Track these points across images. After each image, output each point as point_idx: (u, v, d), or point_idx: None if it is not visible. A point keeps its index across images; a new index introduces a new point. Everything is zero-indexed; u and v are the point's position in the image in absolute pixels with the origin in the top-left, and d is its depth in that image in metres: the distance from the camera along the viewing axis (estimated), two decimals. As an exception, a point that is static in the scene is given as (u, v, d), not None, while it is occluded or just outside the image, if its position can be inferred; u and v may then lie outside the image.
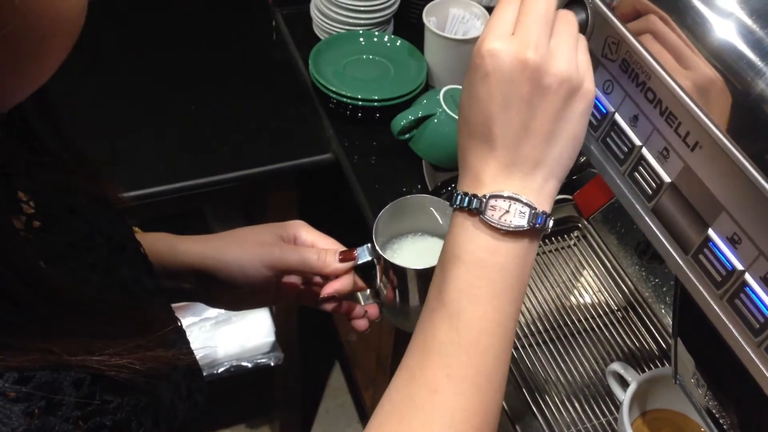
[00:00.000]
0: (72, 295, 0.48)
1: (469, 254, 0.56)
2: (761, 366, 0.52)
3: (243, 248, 0.78)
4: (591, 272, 0.97)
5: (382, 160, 1.29)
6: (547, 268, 0.97)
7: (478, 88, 0.54)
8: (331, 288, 0.78)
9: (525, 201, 0.55)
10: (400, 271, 0.77)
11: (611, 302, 0.94)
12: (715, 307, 0.55)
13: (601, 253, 0.98)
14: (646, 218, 0.60)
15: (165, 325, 0.58)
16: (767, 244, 0.51)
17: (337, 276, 0.78)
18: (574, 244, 1.00)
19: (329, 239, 0.81)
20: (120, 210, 0.68)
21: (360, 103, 1.31)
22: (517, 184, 0.55)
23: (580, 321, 0.92)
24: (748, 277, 0.52)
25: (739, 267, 0.53)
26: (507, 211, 0.55)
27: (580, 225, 1.01)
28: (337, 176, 1.30)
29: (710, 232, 0.55)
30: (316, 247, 0.80)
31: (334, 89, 1.30)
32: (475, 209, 0.55)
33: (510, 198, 0.55)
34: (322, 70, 1.35)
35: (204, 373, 1.52)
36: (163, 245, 0.79)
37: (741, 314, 0.53)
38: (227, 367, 1.54)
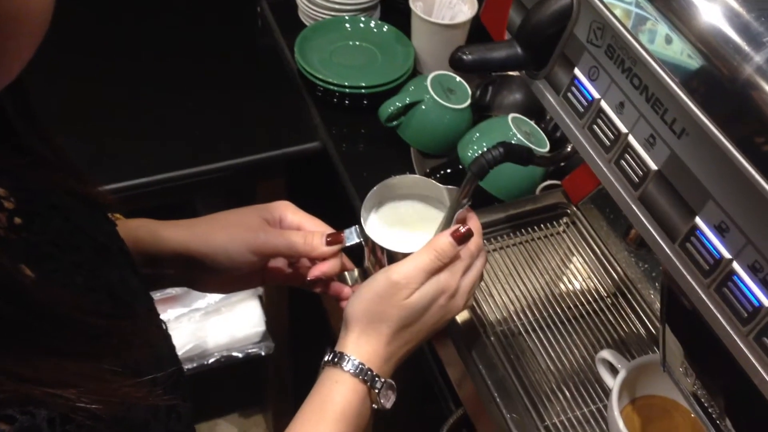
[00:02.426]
0: (53, 306, 0.47)
1: None
2: (749, 355, 0.52)
3: (227, 233, 0.77)
4: (580, 259, 0.96)
5: (370, 147, 1.28)
6: (536, 255, 0.97)
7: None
8: (318, 270, 0.78)
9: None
10: (388, 253, 0.76)
11: (600, 288, 0.94)
12: (703, 296, 0.54)
13: (590, 239, 0.98)
14: (633, 207, 0.60)
15: (148, 333, 0.57)
16: (755, 233, 0.50)
17: (324, 258, 0.78)
18: (563, 231, 0.99)
19: (316, 220, 0.80)
20: (102, 208, 0.67)
21: (347, 90, 1.29)
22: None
23: (569, 308, 0.92)
24: (735, 265, 0.52)
25: (727, 255, 0.52)
26: None
27: (568, 211, 1.01)
28: (325, 164, 1.29)
29: (697, 220, 0.54)
30: (303, 230, 0.79)
31: (320, 77, 1.29)
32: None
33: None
34: (309, 58, 1.34)
35: (194, 364, 1.53)
36: (145, 232, 0.78)
37: (729, 303, 0.52)
38: (217, 357, 1.54)
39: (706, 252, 0.53)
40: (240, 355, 1.55)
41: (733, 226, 0.51)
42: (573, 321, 0.91)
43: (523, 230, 0.99)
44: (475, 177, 0.73)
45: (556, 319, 0.91)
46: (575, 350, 0.88)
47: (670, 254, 0.57)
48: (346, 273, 0.81)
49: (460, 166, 1.13)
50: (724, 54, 0.52)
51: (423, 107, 1.19)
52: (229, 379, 1.78)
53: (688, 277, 0.55)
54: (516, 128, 1.10)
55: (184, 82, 1.37)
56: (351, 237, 0.78)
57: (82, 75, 1.34)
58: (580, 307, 0.92)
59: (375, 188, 0.80)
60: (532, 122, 1.16)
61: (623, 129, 0.59)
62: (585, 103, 0.63)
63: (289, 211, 0.80)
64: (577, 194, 1.00)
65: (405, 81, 1.30)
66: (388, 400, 0.73)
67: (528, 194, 1.08)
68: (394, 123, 1.22)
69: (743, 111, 0.51)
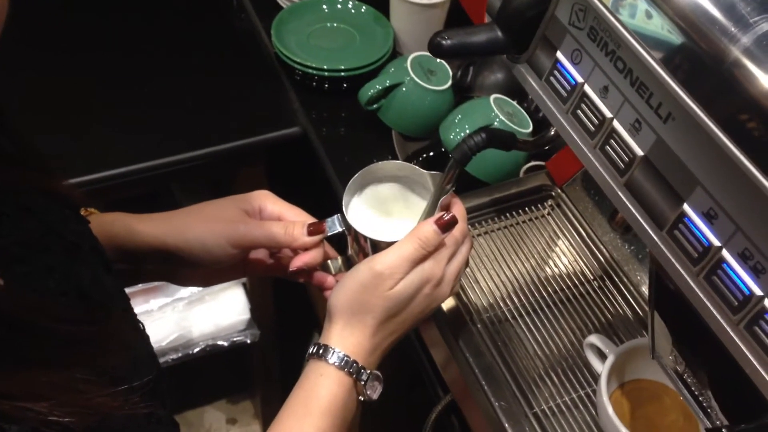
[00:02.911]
0: (23, 313, 0.45)
1: None
2: (740, 344, 0.51)
3: (206, 226, 0.75)
4: (566, 242, 0.95)
5: (351, 131, 1.26)
6: (522, 239, 0.96)
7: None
8: (300, 261, 0.76)
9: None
10: (372, 242, 0.75)
11: (587, 271, 0.93)
12: (692, 284, 0.53)
13: (575, 222, 0.96)
14: (619, 193, 0.58)
15: (124, 336, 0.56)
16: (744, 220, 0.49)
17: (306, 248, 0.76)
18: (548, 214, 0.98)
19: (296, 210, 0.79)
20: (73, 205, 0.65)
21: (326, 74, 1.27)
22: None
23: (556, 292, 0.91)
24: (725, 253, 0.50)
25: (716, 243, 0.51)
26: None
27: (553, 193, 0.99)
28: (306, 150, 1.27)
29: (685, 207, 0.53)
30: (283, 220, 0.78)
31: (298, 60, 1.26)
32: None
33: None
34: (286, 41, 1.31)
35: (178, 354, 1.51)
36: (120, 227, 0.76)
37: (719, 292, 0.51)
38: (203, 346, 1.52)
39: (695, 239, 0.52)
40: (225, 344, 1.54)
41: (722, 213, 0.50)
42: (560, 305, 0.90)
43: (507, 214, 0.98)
44: (458, 163, 0.71)
45: (542, 304, 0.90)
46: (563, 335, 0.87)
47: (658, 242, 0.55)
48: (329, 261, 0.80)
49: (443, 149, 1.11)
50: (710, 36, 0.50)
51: (403, 89, 1.17)
52: (215, 367, 1.77)
53: (677, 264, 0.54)
54: (498, 109, 1.09)
55: (157, 69, 1.34)
56: (333, 226, 0.76)
57: (49, 68, 1.30)
58: (566, 290, 0.91)
59: (357, 175, 0.78)
60: (515, 102, 1.14)
61: (608, 114, 0.58)
62: (568, 88, 0.61)
63: (268, 201, 0.78)
64: (562, 176, 0.98)
65: (385, 63, 1.28)
66: (374, 392, 0.72)
67: (512, 176, 1.06)
68: (375, 106, 1.20)
69: (731, 95, 0.49)
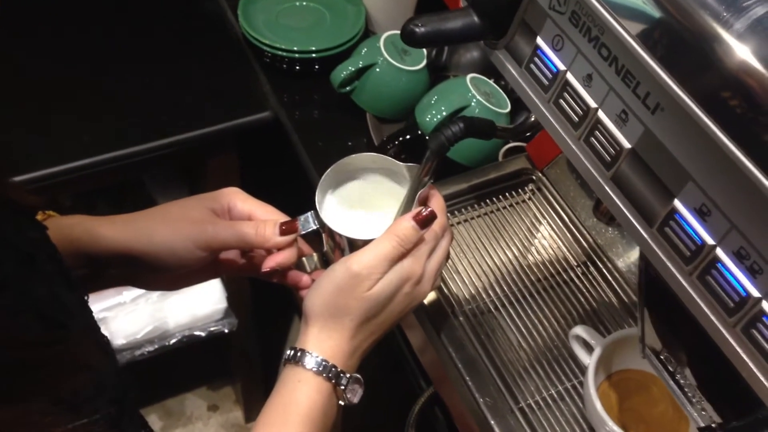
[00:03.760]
0: None
1: None
2: (737, 347, 0.48)
3: (172, 229, 0.71)
4: (548, 227, 0.92)
5: (324, 114, 1.22)
6: (503, 226, 0.93)
7: None
8: (272, 261, 0.72)
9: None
10: (348, 240, 0.72)
11: (570, 258, 0.90)
12: (685, 284, 0.51)
13: (557, 206, 0.94)
14: (606, 187, 0.55)
15: (86, 356, 0.52)
16: (739, 217, 0.46)
17: (279, 248, 0.72)
18: (529, 198, 0.95)
19: (268, 207, 0.75)
20: (27, 211, 0.61)
21: (296, 55, 1.23)
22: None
23: (539, 280, 0.88)
24: (719, 252, 0.48)
25: (710, 241, 0.48)
26: None
27: (534, 177, 0.96)
28: (278, 135, 1.23)
29: (676, 203, 0.50)
30: (254, 219, 0.74)
31: (267, 42, 1.22)
32: None
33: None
34: (253, 21, 1.26)
35: (155, 347, 1.47)
36: (81, 231, 0.72)
37: (713, 292, 0.49)
38: (179, 338, 1.49)
39: (687, 237, 0.50)
40: (203, 334, 1.50)
41: (716, 209, 0.47)
42: (543, 293, 0.88)
43: (487, 200, 0.95)
44: (435, 155, 0.68)
45: (525, 293, 0.87)
46: (547, 325, 0.84)
47: (648, 239, 0.53)
48: (304, 259, 0.76)
49: (419, 132, 1.08)
50: (700, 21, 0.47)
51: (377, 70, 1.14)
52: (194, 355, 1.74)
53: (668, 263, 0.52)
54: (475, 89, 1.05)
55: (118, 53, 1.28)
56: (306, 224, 0.73)
57: (3, 54, 1.25)
58: (549, 278, 0.88)
59: (329, 170, 0.74)
60: (492, 81, 1.11)
61: (592, 104, 0.55)
62: (549, 76, 0.58)
63: (238, 199, 0.74)
64: (542, 159, 0.95)
65: (357, 42, 1.24)
66: (355, 395, 0.69)
67: (491, 158, 1.03)
68: (348, 88, 1.16)
69: (723, 85, 0.46)
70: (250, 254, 0.77)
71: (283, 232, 0.71)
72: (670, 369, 0.60)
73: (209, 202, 0.73)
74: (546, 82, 0.58)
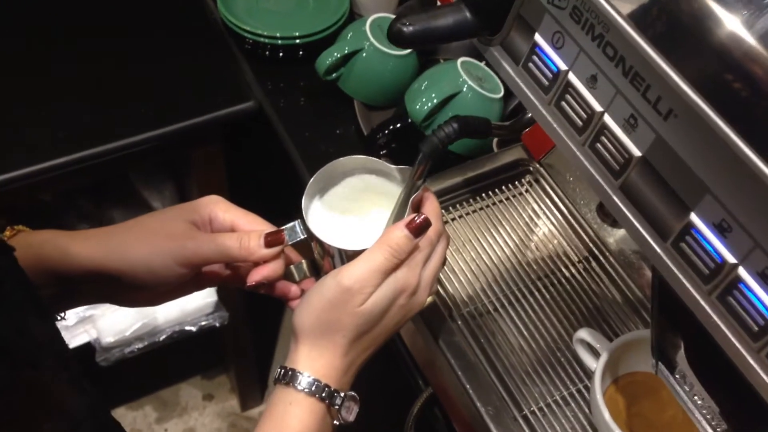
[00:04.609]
0: None
1: None
2: (762, 374, 0.44)
3: (149, 245, 0.67)
4: (546, 221, 0.88)
5: (310, 103, 1.17)
6: (500, 221, 0.88)
7: None
8: (258, 275, 0.68)
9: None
10: (338, 251, 0.68)
11: (571, 253, 0.86)
12: (704, 304, 0.47)
13: (555, 198, 0.89)
14: (614, 197, 0.51)
15: (57, 395, 0.48)
16: (764, 235, 0.42)
17: (265, 261, 0.68)
18: (526, 191, 0.91)
19: (252, 216, 0.70)
20: None
21: (279, 42, 1.17)
22: None
23: (539, 278, 0.84)
24: (742, 271, 0.44)
25: (731, 260, 0.44)
26: None
27: (531, 168, 0.92)
28: (263, 126, 1.18)
29: (693, 217, 0.46)
30: (237, 229, 0.70)
31: (248, 28, 1.17)
32: None
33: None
34: (233, 7, 1.21)
35: (144, 343, 1.43)
36: (52, 248, 0.67)
37: (735, 314, 0.45)
38: (169, 333, 1.45)
39: (705, 254, 0.46)
40: (193, 329, 1.47)
41: (737, 225, 0.44)
42: (544, 291, 0.84)
43: (483, 194, 0.90)
44: (428, 158, 0.64)
45: (525, 292, 0.83)
46: (549, 326, 0.81)
47: (661, 254, 0.49)
48: (292, 267, 0.72)
49: (409, 120, 1.03)
50: (720, 20, 0.43)
51: (364, 56, 1.09)
52: (186, 348, 1.71)
53: (684, 281, 0.48)
54: (466, 74, 1.01)
55: (91, 43, 1.22)
56: (293, 234, 0.69)
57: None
58: (550, 275, 0.85)
59: (317, 173, 0.70)
60: (483, 65, 1.06)
61: (597, 107, 0.50)
62: (550, 76, 0.53)
63: (219, 209, 0.70)
64: (539, 149, 0.91)
65: (342, 26, 1.19)
66: (350, 413, 0.65)
67: (485, 145, 0.99)
68: (334, 75, 1.11)
69: (745, 89, 0.42)
70: (235, 265, 0.73)
71: (268, 244, 0.67)
72: (686, 388, 0.57)
73: (188, 213, 0.69)
74: (546, 82, 0.54)
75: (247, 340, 1.67)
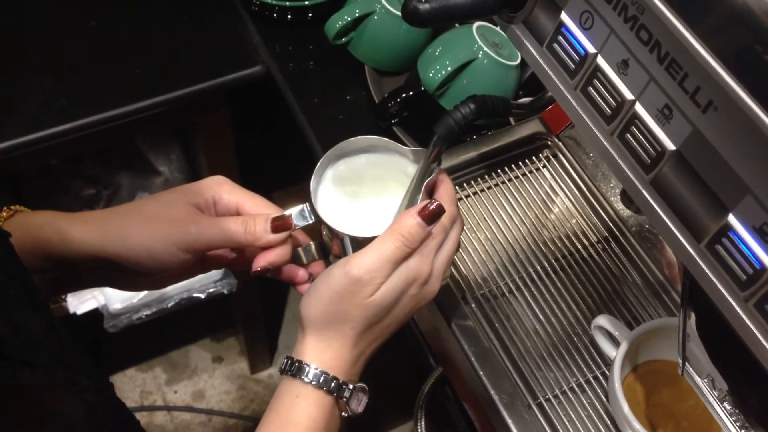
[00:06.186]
0: None
1: None
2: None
3: (150, 229, 0.64)
4: (565, 199, 0.85)
5: (320, 67, 1.13)
6: (516, 198, 0.85)
7: None
8: (264, 261, 0.65)
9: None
10: (348, 236, 0.65)
11: (590, 233, 0.83)
12: (740, 311, 0.44)
13: (574, 175, 0.86)
14: (644, 192, 0.48)
15: (55, 401, 0.46)
16: (810, 243, 0.39)
17: (271, 246, 0.65)
18: (544, 166, 0.87)
19: (257, 199, 0.67)
20: None
21: (287, 3, 1.13)
22: None
23: (557, 259, 0.81)
24: (784, 280, 0.41)
25: (772, 267, 0.41)
26: None
27: (549, 142, 0.88)
28: (271, 91, 1.14)
29: (731, 218, 0.42)
30: (243, 212, 0.67)
31: (255, -11, 1.12)
32: None
33: None
34: (239, -33, 1.16)
35: (152, 310, 1.42)
36: (50, 232, 0.64)
37: (774, 325, 0.42)
38: (177, 300, 1.43)
39: (743, 259, 0.42)
40: (202, 296, 1.45)
41: (780, 230, 0.40)
42: (561, 273, 0.81)
43: (498, 170, 0.87)
44: (443, 140, 0.60)
45: (542, 274, 0.80)
46: (566, 309, 0.78)
47: (694, 255, 0.45)
48: (299, 249, 0.69)
49: (422, 88, 0.99)
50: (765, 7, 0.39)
51: (375, 19, 1.05)
52: (194, 314, 1.70)
53: (719, 285, 0.44)
54: (482, 39, 0.96)
55: (95, 11, 1.18)
56: (301, 218, 0.65)
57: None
58: (568, 256, 0.81)
59: (326, 154, 0.67)
60: (500, 29, 1.02)
61: (628, 95, 0.47)
62: (576, 58, 0.49)
63: (224, 191, 0.66)
64: (558, 122, 0.87)
65: (353, -14, 1.14)
66: (359, 404, 0.63)
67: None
68: (344, 40, 1.07)
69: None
70: (240, 250, 0.70)
71: (275, 229, 0.64)
72: (716, 393, 0.54)
73: (191, 196, 0.65)
74: (572, 65, 0.50)
75: (256, 306, 1.66)
